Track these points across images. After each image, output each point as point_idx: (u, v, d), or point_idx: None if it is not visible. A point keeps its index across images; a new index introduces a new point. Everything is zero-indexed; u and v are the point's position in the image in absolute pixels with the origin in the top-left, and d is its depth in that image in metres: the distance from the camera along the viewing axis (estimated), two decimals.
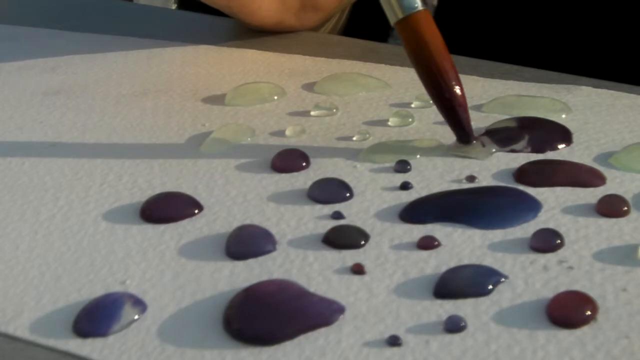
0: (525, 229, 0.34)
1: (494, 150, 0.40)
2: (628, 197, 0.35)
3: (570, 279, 0.31)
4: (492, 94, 0.45)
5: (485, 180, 0.37)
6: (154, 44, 0.56)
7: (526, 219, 0.34)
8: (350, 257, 0.33)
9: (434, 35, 0.39)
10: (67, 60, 0.54)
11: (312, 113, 0.45)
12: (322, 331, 0.30)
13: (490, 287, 0.31)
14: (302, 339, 0.29)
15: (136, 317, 0.31)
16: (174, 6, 0.71)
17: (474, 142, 0.39)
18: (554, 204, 0.35)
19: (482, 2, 0.63)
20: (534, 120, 0.42)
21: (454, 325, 0.29)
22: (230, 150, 0.41)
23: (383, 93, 0.47)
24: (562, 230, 0.34)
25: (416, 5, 0.39)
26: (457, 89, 0.39)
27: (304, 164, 0.39)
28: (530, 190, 0.36)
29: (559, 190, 0.36)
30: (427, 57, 0.39)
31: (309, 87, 0.48)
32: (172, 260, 0.34)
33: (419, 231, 0.34)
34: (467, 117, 0.39)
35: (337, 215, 0.35)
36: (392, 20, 0.40)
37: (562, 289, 0.31)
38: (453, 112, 0.39)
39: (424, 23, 0.39)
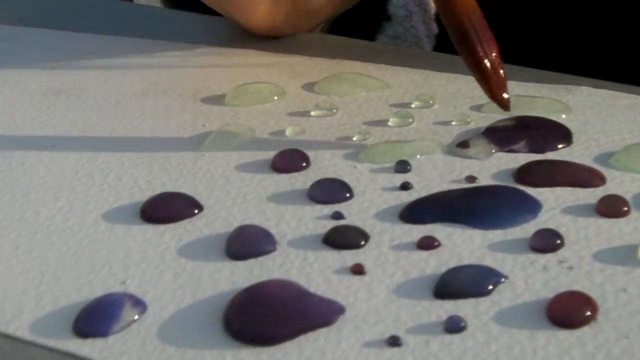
0: (525, 229, 0.34)
1: (493, 150, 0.40)
2: (628, 197, 0.35)
3: (570, 279, 0.31)
4: None
5: (485, 180, 0.37)
6: (154, 44, 0.56)
7: (526, 219, 0.34)
8: (350, 257, 0.33)
9: (468, 3, 0.39)
10: (67, 60, 0.54)
11: (312, 113, 0.45)
12: (322, 331, 0.30)
13: (490, 287, 0.31)
14: (302, 339, 0.29)
15: (136, 317, 0.31)
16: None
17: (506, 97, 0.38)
18: (554, 204, 0.35)
19: (482, 2, 0.63)
20: (534, 120, 0.42)
21: (454, 326, 0.29)
22: (230, 150, 0.41)
23: (383, 93, 0.47)
24: (562, 230, 0.34)
25: None
26: (487, 54, 0.38)
27: (304, 164, 0.39)
28: (530, 191, 0.36)
29: (559, 190, 0.36)
30: (455, 20, 0.39)
31: (309, 87, 0.48)
32: (172, 261, 0.34)
33: (419, 231, 0.34)
34: (498, 81, 0.38)
35: (337, 216, 0.35)
36: None
37: (562, 289, 0.31)
38: (483, 76, 0.38)
39: None
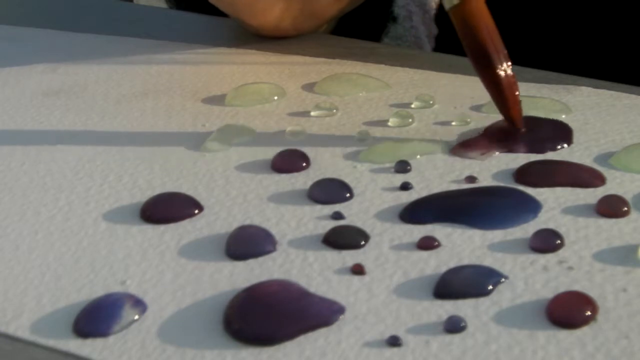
0: (525, 230, 0.34)
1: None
2: (628, 197, 0.35)
3: (570, 279, 0.31)
4: None
5: (485, 180, 0.37)
6: (154, 44, 0.56)
7: (526, 220, 0.34)
8: (350, 257, 0.33)
9: (485, 21, 0.40)
10: (67, 60, 0.54)
11: (312, 113, 0.45)
12: (322, 331, 0.30)
13: (490, 287, 0.31)
14: (302, 339, 0.29)
15: (136, 317, 0.31)
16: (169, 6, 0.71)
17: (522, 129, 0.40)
18: (554, 204, 0.35)
19: None
20: (534, 120, 0.42)
21: (454, 326, 0.29)
22: (230, 150, 0.41)
23: (383, 93, 0.47)
24: (562, 230, 0.34)
25: None
26: (505, 72, 0.39)
27: (304, 164, 0.39)
28: (530, 191, 0.36)
29: (559, 190, 0.36)
30: (477, 41, 0.40)
31: (309, 87, 0.48)
32: (172, 261, 0.34)
33: (419, 231, 0.34)
34: (514, 100, 0.40)
35: (337, 216, 0.35)
36: (447, 5, 0.41)
37: (562, 289, 0.31)
38: (501, 95, 0.40)
39: (477, 9, 0.40)
